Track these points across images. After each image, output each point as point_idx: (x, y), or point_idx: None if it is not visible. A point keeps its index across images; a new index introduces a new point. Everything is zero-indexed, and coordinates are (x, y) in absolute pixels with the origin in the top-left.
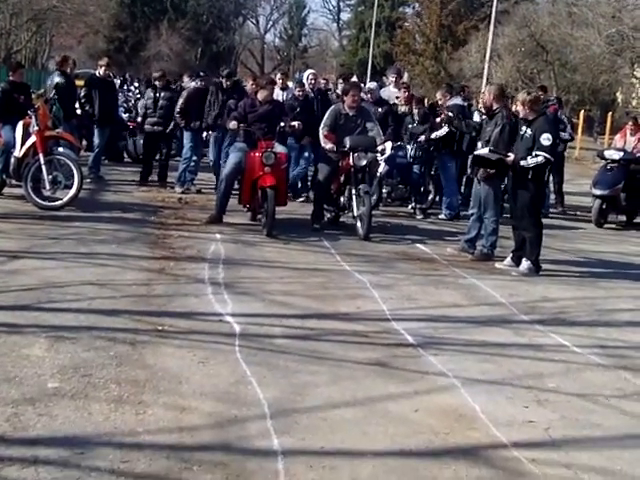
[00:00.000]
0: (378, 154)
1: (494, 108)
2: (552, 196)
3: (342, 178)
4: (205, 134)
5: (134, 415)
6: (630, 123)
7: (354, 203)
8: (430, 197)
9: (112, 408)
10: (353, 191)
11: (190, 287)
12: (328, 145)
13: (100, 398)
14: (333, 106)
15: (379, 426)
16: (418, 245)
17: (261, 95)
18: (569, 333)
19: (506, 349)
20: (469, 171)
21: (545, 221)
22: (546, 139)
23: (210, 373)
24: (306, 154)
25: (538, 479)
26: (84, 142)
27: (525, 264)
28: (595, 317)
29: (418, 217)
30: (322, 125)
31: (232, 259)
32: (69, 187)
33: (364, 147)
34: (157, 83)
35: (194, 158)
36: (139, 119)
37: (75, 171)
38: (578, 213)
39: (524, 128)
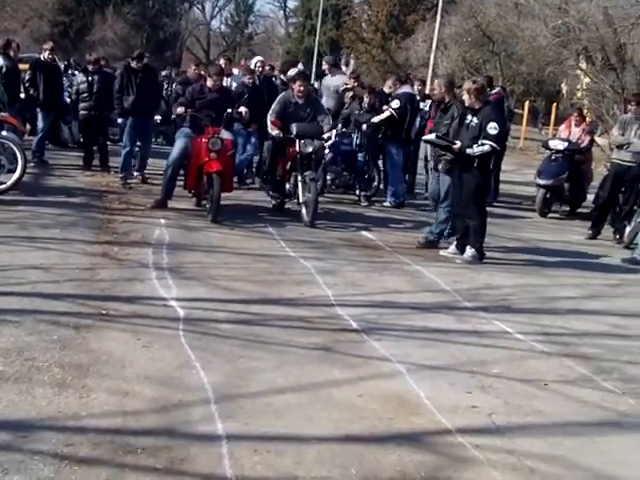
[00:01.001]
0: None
1: (446, 101)
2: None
3: (288, 165)
4: (120, 120)
5: (78, 399)
6: (575, 114)
7: (299, 190)
8: (374, 184)
9: (55, 392)
10: (299, 178)
11: (134, 272)
12: (275, 131)
13: (44, 382)
14: (283, 93)
15: (323, 411)
16: (363, 232)
17: (210, 82)
18: (512, 320)
19: (450, 335)
20: (430, 164)
21: (489, 210)
22: (493, 128)
23: (154, 357)
24: (253, 140)
25: (481, 465)
26: (28, 126)
27: (469, 252)
28: (538, 305)
29: (362, 204)
30: (270, 111)
31: (176, 244)
32: (12, 171)
33: (311, 134)
34: (90, 67)
35: (134, 146)
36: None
37: (19, 155)
38: (522, 203)
39: (469, 117)
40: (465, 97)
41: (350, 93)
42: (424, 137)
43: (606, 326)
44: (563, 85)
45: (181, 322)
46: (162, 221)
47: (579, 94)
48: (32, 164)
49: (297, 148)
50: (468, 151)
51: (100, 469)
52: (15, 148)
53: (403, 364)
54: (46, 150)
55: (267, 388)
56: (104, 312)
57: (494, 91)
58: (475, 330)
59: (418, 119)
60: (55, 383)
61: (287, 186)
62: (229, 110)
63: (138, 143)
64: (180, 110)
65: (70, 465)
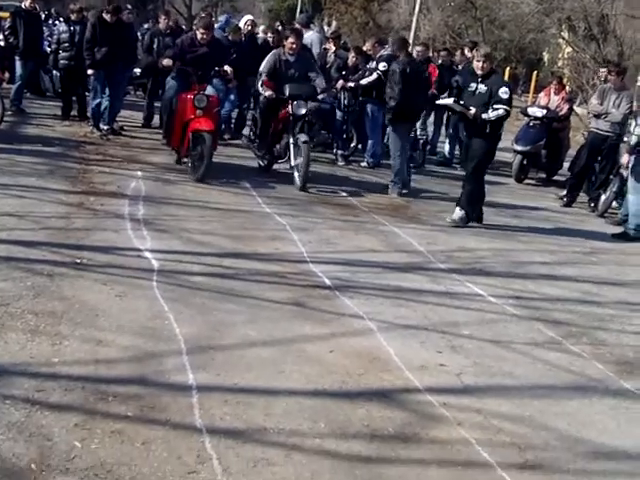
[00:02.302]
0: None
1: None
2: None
3: (280, 126)
4: (91, 71)
5: (50, 346)
6: (555, 82)
7: (291, 153)
8: (352, 144)
9: (28, 338)
10: (291, 140)
11: (109, 222)
12: (267, 92)
13: (17, 328)
14: (273, 51)
15: (294, 365)
16: (339, 191)
17: (200, 35)
18: (485, 283)
19: (422, 295)
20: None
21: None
22: (504, 92)
23: (127, 307)
24: (232, 97)
25: (449, 423)
26: (7, 74)
27: (457, 212)
28: (511, 269)
29: (340, 164)
30: (260, 70)
31: (153, 196)
32: None
33: (304, 95)
34: (73, 16)
35: (103, 97)
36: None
37: None
38: (499, 168)
39: (474, 85)
40: (477, 64)
41: (331, 51)
42: (439, 101)
43: (578, 292)
44: (544, 53)
45: (155, 273)
46: (139, 173)
47: (560, 63)
48: (10, 112)
49: (290, 110)
50: (484, 116)
51: (71, 415)
52: None
53: (375, 322)
54: (24, 99)
55: (239, 341)
56: (78, 261)
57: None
58: (448, 291)
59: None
60: (28, 329)
61: (277, 147)
62: (216, 68)
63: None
64: (166, 61)
65: (41, 410)
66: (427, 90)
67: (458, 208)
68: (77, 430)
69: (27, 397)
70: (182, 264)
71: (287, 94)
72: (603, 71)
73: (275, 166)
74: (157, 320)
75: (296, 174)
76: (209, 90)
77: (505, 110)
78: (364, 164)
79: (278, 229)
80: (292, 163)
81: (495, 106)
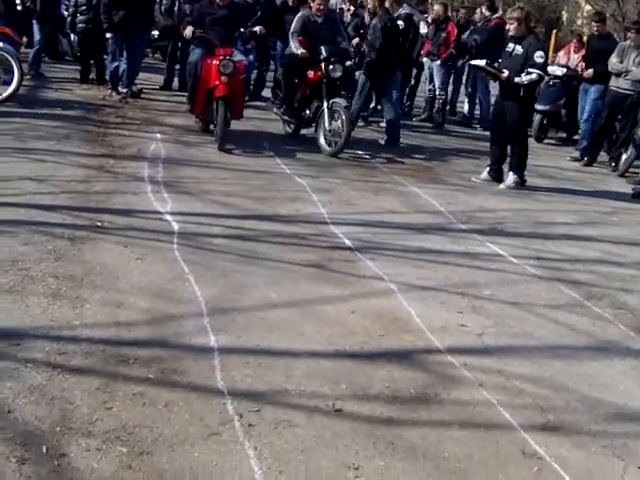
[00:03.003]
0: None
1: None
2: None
3: (309, 90)
4: (109, 35)
5: (71, 309)
6: (574, 40)
7: (325, 118)
8: (372, 105)
9: (49, 301)
10: (325, 104)
11: (129, 185)
12: (300, 50)
13: (38, 292)
14: (301, 12)
15: (315, 327)
16: (358, 152)
17: None
18: (506, 243)
19: (443, 256)
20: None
21: (486, 134)
22: (539, 57)
23: (148, 270)
24: (251, 58)
25: (470, 384)
26: (24, 38)
27: (512, 177)
28: (532, 229)
29: (359, 124)
30: (292, 30)
31: (173, 159)
32: (8, 83)
33: (339, 58)
34: None
35: (121, 60)
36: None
37: (15, 66)
38: None
39: (512, 45)
40: (512, 25)
41: (349, 12)
42: (472, 62)
43: (599, 252)
44: (563, 12)
45: (175, 236)
46: (158, 136)
47: (579, 22)
48: (28, 76)
49: (323, 72)
50: (516, 80)
51: (92, 378)
52: (11, 59)
53: (395, 283)
54: (43, 63)
55: (260, 303)
56: (99, 224)
57: (495, 16)
58: (468, 252)
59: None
60: (49, 293)
61: (307, 112)
62: (242, 29)
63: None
64: (188, 32)
65: (62, 373)
66: (400, 47)
67: (511, 173)
68: (98, 393)
69: (48, 360)
70: (202, 226)
71: (324, 55)
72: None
73: (303, 131)
74: (177, 282)
75: (322, 140)
76: (237, 55)
77: (538, 75)
78: (384, 124)
79: (298, 190)
80: (327, 127)
81: (529, 70)
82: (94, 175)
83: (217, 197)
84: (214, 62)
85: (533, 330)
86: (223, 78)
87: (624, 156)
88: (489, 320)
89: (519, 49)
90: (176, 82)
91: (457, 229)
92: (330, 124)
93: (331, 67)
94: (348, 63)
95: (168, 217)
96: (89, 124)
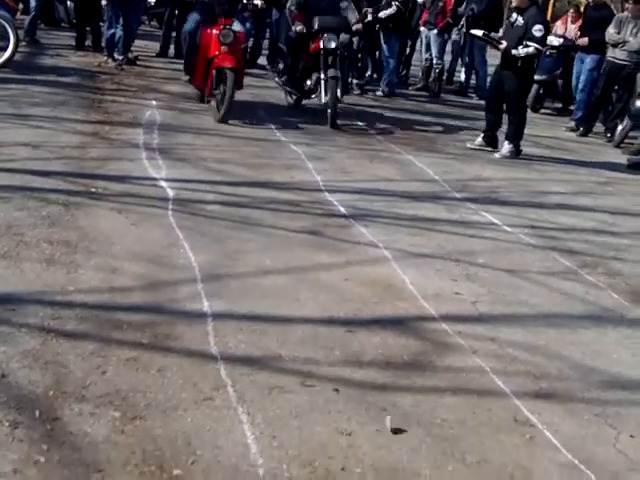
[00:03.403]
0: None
1: None
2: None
3: (310, 61)
4: (105, 2)
5: (65, 274)
6: (572, 11)
7: (322, 89)
8: (368, 73)
9: (44, 267)
10: (322, 76)
11: (125, 151)
12: (298, 27)
13: (32, 257)
14: None
15: (309, 293)
16: (354, 120)
17: None
18: (500, 212)
19: (437, 224)
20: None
21: (482, 103)
22: (538, 30)
23: (142, 236)
24: (247, 25)
25: (464, 351)
26: (20, 5)
27: (507, 147)
28: (527, 198)
29: (355, 92)
30: (289, 5)
31: (168, 125)
32: (4, 49)
33: (335, 28)
34: None
35: (117, 27)
36: None
37: (11, 33)
38: None
39: (515, 15)
40: None
41: None
42: (471, 31)
43: (593, 222)
44: None
45: (170, 202)
46: (153, 102)
47: None
48: (24, 43)
49: (321, 44)
50: (513, 52)
51: (86, 343)
52: (7, 25)
53: (390, 250)
54: (38, 29)
55: (254, 269)
56: (93, 190)
57: None
58: (463, 220)
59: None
60: (43, 258)
61: (308, 82)
62: (244, 1)
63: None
64: None
65: (56, 338)
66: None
67: (507, 142)
68: (92, 358)
69: (42, 325)
70: (197, 193)
71: (316, 27)
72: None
73: (304, 101)
74: (172, 248)
75: (329, 111)
76: (236, 25)
77: (536, 49)
78: (379, 93)
79: (293, 158)
80: (322, 100)
81: (527, 43)
82: (89, 141)
83: (212, 164)
84: (214, 31)
85: (527, 298)
86: (223, 48)
87: (620, 127)
88: (483, 288)
89: (520, 20)
90: (172, 50)
91: (452, 197)
92: (326, 95)
93: (325, 37)
94: (355, 27)
95: (163, 183)
96: (84, 91)
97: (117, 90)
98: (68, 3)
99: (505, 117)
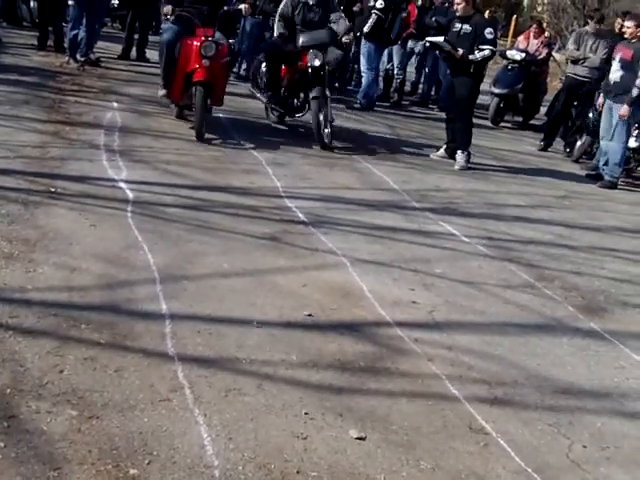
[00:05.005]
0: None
1: None
2: None
3: (296, 77)
4: (71, 2)
5: (24, 273)
6: (534, 26)
7: (313, 107)
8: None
9: (2, 265)
10: (311, 95)
11: (85, 152)
12: (281, 29)
13: None
14: None
15: (267, 298)
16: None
17: None
18: (459, 223)
19: (396, 233)
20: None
21: (441, 115)
22: (489, 33)
23: (101, 236)
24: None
25: (420, 358)
26: None
27: (461, 156)
28: (485, 210)
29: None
30: (277, 18)
31: (129, 127)
32: None
33: (320, 43)
34: None
35: (81, 28)
36: None
37: None
38: (475, 110)
39: (458, 25)
40: (460, 5)
41: None
42: (430, 38)
43: (550, 235)
44: None
45: (130, 204)
46: (115, 104)
47: (539, 8)
48: None
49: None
50: (471, 57)
51: (44, 341)
52: None
53: (348, 258)
54: (0, 28)
55: (212, 272)
56: (53, 190)
57: None
58: (421, 230)
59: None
60: (2, 256)
61: (295, 101)
62: (225, 7)
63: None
64: (167, 10)
65: (14, 336)
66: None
67: (459, 151)
68: (50, 356)
69: (0, 323)
70: (157, 195)
71: (300, 44)
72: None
73: (288, 119)
74: (131, 250)
75: (321, 131)
76: (218, 36)
77: (491, 50)
78: (357, 105)
79: (254, 163)
80: (312, 120)
81: (481, 47)
82: (49, 141)
83: (172, 167)
84: (194, 43)
85: (483, 308)
86: (204, 61)
87: (579, 142)
88: (440, 297)
89: (467, 27)
90: (134, 52)
91: (411, 207)
92: (318, 115)
93: (310, 52)
94: (345, 39)
95: (123, 185)
96: (46, 91)
97: (78, 91)
98: (31, 2)
99: None
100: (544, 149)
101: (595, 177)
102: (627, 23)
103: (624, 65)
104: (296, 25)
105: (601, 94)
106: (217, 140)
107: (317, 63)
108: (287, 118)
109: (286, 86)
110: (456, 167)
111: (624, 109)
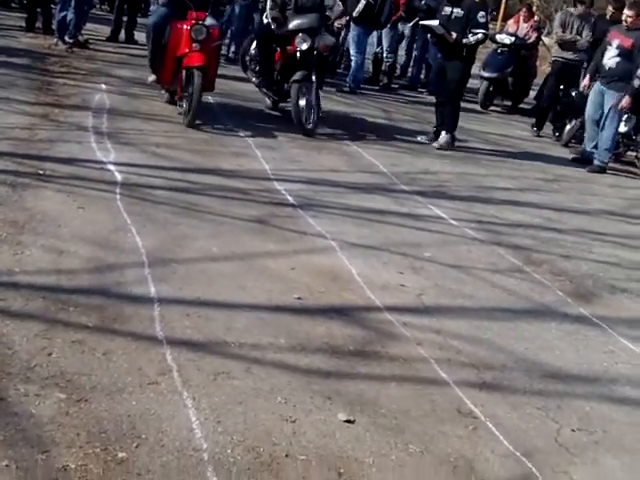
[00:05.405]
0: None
1: None
2: None
3: (287, 61)
4: None
5: (12, 255)
6: (524, 10)
7: (293, 93)
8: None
9: None
10: (292, 78)
11: (73, 134)
12: (273, 13)
13: None
14: None
15: (256, 281)
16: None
17: None
18: (448, 206)
19: (385, 216)
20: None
21: (430, 98)
22: (482, 17)
23: (90, 219)
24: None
25: (409, 342)
26: None
27: (444, 136)
28: (474, 193)
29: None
30: (269, 1)
31: (117, 110)
32: None
33: (309, 27)
34: None
35: (69, 10)
36: None
37: None
38: (464, 94)
39: (448, 9)
40: None
41: None
42: (424, 22)
43: (539, 219)
44: None
45: (118, 186)
46: (103, 86)
47: None
48: None
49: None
50: (464, 41)
51: (32, 324)
52: None
53: (337, 241)
54: None
55: (201, 255)
56: (41, 172)
57: None
58: (410, 213)
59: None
60: None
61: (285, 86)
62: None
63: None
64: None
65: (2, 319)
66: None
67: (444, 132)
68: (38, 339)
69: None
70: (145, 178)
71: (290, 28)
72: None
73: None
74: (119, 232)
75: (303, 117)
76: (209, 20)
77: (484, 34)
78: (346, 89)
79: (242, 146)
80: (296, 104)
81: (474, 30)
82: (38, 123)
83: (161, 150)
84: (184, 27)
85: (472, 293)
86: (194, 45)
87: (568, 126)
88: (429, 281)
89: (459, 11)
90: (123, 34)
91: (399, 190)
92: (298, 99)
93: (299, 36)
94: (337, 23)
95: (111, 167)
96: (34, 73)
97: (67, 73)
98: None
99: None
100: (539, 135)
101: (581, 161)
102: (627, 12)
103: (622, 53)
104: (287, 8)
105: (587, 75)
106: (206, 124)
107: (305, 47)
108: (281, 104)
109: (278, 71)
110: (435, 145)
111: (626, 100)
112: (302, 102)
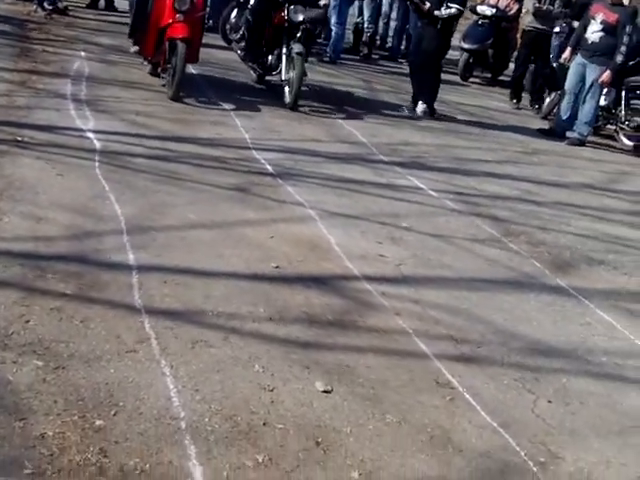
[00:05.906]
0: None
1: None
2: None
3: (272, 33)
4: None
5: None
6: None
7: (283, 65)
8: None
9: None
10: (284, 50)
11: (52, 101)
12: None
13: None
14: None
15: (234, 249)
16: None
17: None
18: (427, 177)
19: (364, 187)
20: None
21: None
22: None
23: (68, 186)
24: None
25: (387, 311)
26: None
27: (421, 106)
28: (453, 165)
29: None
30: None
31: (96, 77)
32: None
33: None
34: None
35: None
36: None
37: None
38: (444, 65)
39: None
40: None
41: None
42: None
43: (518, 191)
44: None
45: (97, 154)
46: (82, 54)
47: None
48: None
49: (285, 15)
50: (436, 13)
51: (9, 291)
52: None
53: (316, 210)
54: None
55: (180, 223)
56: (19, 139)
57: None
58: (389, 184)
59: None
60: None
61: (270, 58)
62: None
63: None
64: None
65: None
66: None
67: (420, 102)
68: (15, 306)
69: None
70: (124, 145)
71: None
72: None
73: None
74: (98, 200)
75: (287, 89)
76: None
77: (458, 9)
78: (326, 58)
79: (222, 115)
80: (283, 77)
81: (450, 4)
82: (16, 90)
83: (140, 118)
84: None
85: (451, 263)
86: (178, 16)
87: (547, 99)
88: (407, 251)
89: None
90: (102, 1)
91: (379, 160)
92: (287, 72)
93: (292, 8)
94: (323, 2)
95: (90, 135)
96: (13, 39)
97: (46, 40)
98: None
99: None
100: (518, 107)
101: (547, 132)
102: None
103: (606, 28)
104: None
105: (568, 48)
106: (190, 96)
107: (300, 18)
108: (267, 77)
109: (264, 43)
110: (409, 113)
111: (606, 75)
112: (291, 74)
